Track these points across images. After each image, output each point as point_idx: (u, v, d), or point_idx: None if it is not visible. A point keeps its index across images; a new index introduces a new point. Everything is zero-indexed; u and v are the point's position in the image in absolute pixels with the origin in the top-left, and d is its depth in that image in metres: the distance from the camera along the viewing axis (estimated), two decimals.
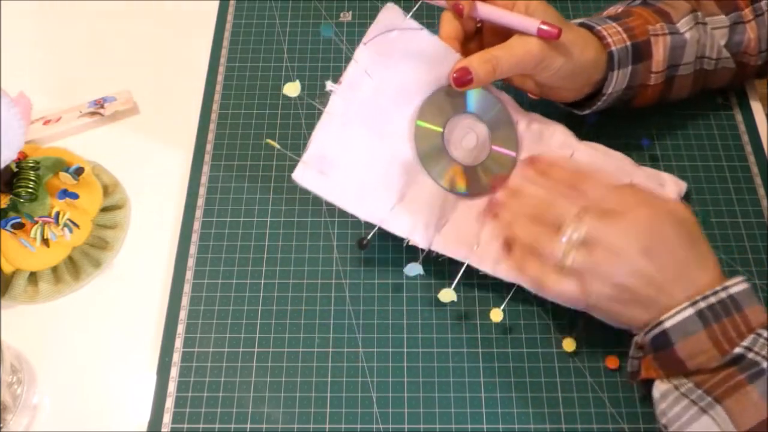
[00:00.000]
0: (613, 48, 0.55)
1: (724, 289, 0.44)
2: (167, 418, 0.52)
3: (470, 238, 0.55)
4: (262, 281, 0.58)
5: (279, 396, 0.53)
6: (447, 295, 0.54)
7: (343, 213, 0.61)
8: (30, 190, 0.55)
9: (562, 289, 0.48)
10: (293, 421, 0.52)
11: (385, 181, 0.54)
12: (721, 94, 0.67)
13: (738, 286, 0.44)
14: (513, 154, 0.57)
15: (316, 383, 0.54)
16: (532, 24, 0.51)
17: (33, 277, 0.57)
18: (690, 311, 0.43)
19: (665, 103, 0.62)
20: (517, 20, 0.52)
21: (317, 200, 0.61)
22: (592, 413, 0.52)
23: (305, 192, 0.62)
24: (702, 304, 0.43)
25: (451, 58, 0.54)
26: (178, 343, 0.55)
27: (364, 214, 0.53)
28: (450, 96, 0.55)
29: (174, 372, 0.54)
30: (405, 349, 0.55)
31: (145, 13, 0.75)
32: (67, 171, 0.58)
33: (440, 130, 0.55)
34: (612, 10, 0.61)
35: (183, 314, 0.57)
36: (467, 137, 0.56)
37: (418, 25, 0.53)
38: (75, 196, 0.57)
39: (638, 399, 0.52)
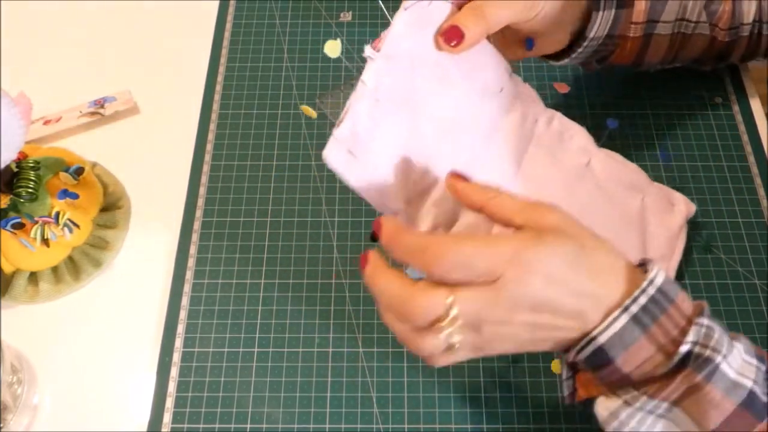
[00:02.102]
0: None
1: (651, 283, 0.38)
2: (167, 418, 0.52)
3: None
4: (262, 281, 0.58)
5: (279, 396, 0.53)
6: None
7: (343, 213, 0.61)
8: (30, 190, 0.55)
9: (457, 361, 0.40)
10: (293, 421, 0.52)
11: (406, 175, 0.48)
12: (720, 94, 0.67)
13: (659, 275, 0.39)
14: None
15: (316, 383, 0.54)
16: None
17: (33, 277, 0.57)
18: (624, 319, 0.38)
19: (640, 67, 0.61)
20: None
21: (317, 200, 0.62)
22: (593, 413, 0.52)
23: (305, 192, 0.62)
24: (634, 308, 0.38)
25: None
26: (178, 343, 0.55)
27: (383, 209, 0.47)
28: None
29: (174, 372, 0.54)
30: (405, 349, 0.55)
31: (145, 13, 0.75)
32: (67, 171, 0.58)
33: None
34: None
35: (183, 314, 0.57)
36: None
37: None
38: (75, 196, 0.57)
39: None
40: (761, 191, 0.61)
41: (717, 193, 0.62)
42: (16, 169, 0.56)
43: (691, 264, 0.58)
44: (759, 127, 0.65)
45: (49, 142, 0.66)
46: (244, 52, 0.71)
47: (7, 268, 0.56)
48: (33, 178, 0.56)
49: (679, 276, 0.57)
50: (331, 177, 0.63)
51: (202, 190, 0.63)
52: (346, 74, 0.70)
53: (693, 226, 0.60)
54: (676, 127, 0.65)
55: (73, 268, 0.58)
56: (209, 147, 0.65)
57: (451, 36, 0.46)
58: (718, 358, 0.37)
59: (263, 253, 0.59)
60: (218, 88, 0.69)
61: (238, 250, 0.60)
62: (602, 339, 0.38)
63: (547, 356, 0.54)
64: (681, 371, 0.38)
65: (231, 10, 0.74)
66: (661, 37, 0.57)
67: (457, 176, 0.44)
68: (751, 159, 0.63)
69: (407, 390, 0.53)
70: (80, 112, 0.67)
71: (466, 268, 0.38)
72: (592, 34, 0.54)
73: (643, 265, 0.41)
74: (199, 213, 0.61)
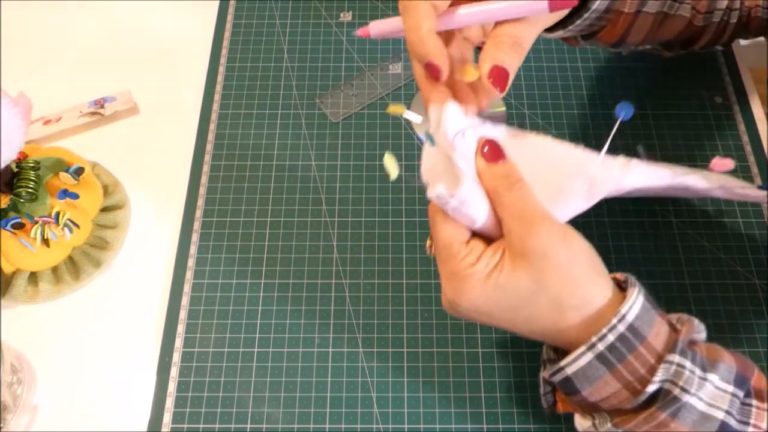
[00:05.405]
0: None
1: (621, 320, 0.38)
2: (167, 418, 0.52)
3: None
4: (262, 281, 0.58)
5: (279, 396, 0.53)
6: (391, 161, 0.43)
7: (343, 213, 0.61)
8: (30, 190, 0.55)
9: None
10: (293, 421, 0.52)
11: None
12: (720, 94, 0.67)
13: (635, 306, 0.38)
14: None
15: (316, 383, 0.54)
16: (538, 3, 0.40)
17: (33, 277, 0.57)
18: (588, 356, 0.38)
19: (618, 47, 0.58)
20: (517, 4, 0.40)
21: (317, 200, 0.62)
22: None
23: (305, 192, 0.62)
24: (600, 346, 0.38)
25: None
26: (178, 343, 0.55)
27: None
28: None
29: (174, 372, 0.54)
30: (405, 349, 0.55)
31: (145, 13, 0.75)
32: (67, 171, 0.58)
33: None
34: None
35: (183, 314, 0.57)
36: None
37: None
38: (75, 196, 0.57)
39: None
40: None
41: None
42: (16, 169, 0.56)
43: (691, 264, 0.58)
44: (759, 127, 0.65)
45: (49, 142, 0.66)
46: (244, 52, 0.71)
47: (7, 268, 0.56)
48: (33, 178, 0.56)
49: (679, 276, 0.57)
50: (332, 177, 0.63)
51: (202, 190, 0.63)
52: (346, 74, 0.70)
53: (693, 226, 0.60)
54: (676, 127, 0.65)
55: (73, 268, 0.58)
56: (209, 147, 0.65)
57: (498, 76, 0.40)
58: (686, 397, 0.37)
59: (263, 253, 0.59)
60: (218, 88, 0.69)
61: (238, 250, 0.60)
62: (569, 371, 0.39)
63: None
64: (647, 408, 0.37)
65: (231, 10, 0.74)
66: (647, 15, 0.55)
67: (486, 153, 0.40)
68: (751, 159, 0.63)
69: (407, 390, 0.53)
70: (80, 112, 0.67)
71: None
72: (595, 5, 0.51)
73: (625, 282, 0.41)
74: (199, 213, 0.61)
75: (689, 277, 0.57)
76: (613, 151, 0.40)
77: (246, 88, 0.69)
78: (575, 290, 0.39)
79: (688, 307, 0.56)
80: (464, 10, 0.41)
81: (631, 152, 0.64)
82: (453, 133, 0.40)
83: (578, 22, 0.53)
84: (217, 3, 0.75)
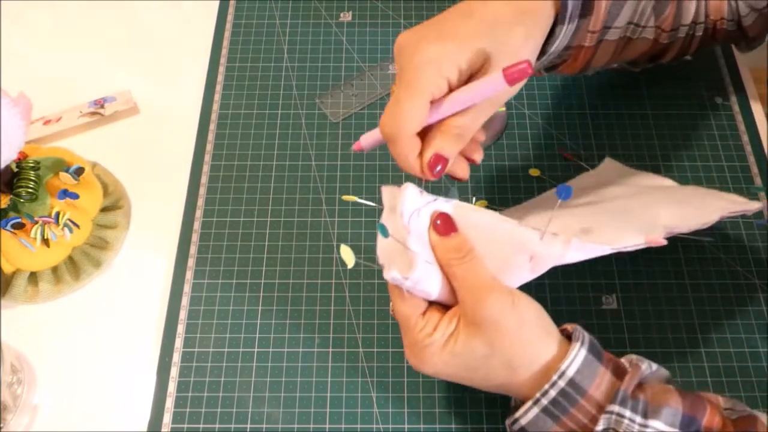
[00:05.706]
0: (569, 0, 0.49)
1: (561, 376, 0.41)
2: (167, 418, 0.52)
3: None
4: (262, 281, 0.58)
5: (279, 396, 0.53)
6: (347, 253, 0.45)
7: (343, 213, 0.61)
8: (30, 190, 0.55)
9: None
10: (293, 421, 0.52)
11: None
12: (720, 94, 0.67)
13: (576, 360, 0.42)
14: None
15: (316, 383, 0.54)
16: (495, 81, 0.41)
17: (33, 277, 0.57)
18: (535, 410, 0.42)
19: (584, 72, 0.58)
20: (478, 90, 0.42)
21: (317, 200, 0.62)
22: None
23: (305, 192, 0.62)
24: (544, 401, 0.42)
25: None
26: (178, 343, 0.55)
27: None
28: None
29: (174, 372, 0.54)
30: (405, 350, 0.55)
31: (145, 12, 0.75)
32: (67, 171, 0.58)
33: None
34: None
35: (183, 314, 0.57)
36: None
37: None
38: (75, 196, 0.57)
39: None
40: (761, 191, 0.61)
41: None
42: (16, 169, 0.56)
43: (691, 264, 0.58)
44: (759, 127, 0.65)
45: (49, 142, 0.66)
46: (244, 52, 0.71)
47: (7, 268, 0.56)
48: (33, 178, 0.56)
49: (679, 276, 0.57)
50: (332, 177, 0.63)
51: (202, 190, 0.63)
52: (346, 74, 0.70)
53: None
54: (676, 127, 0.65)
55: (73, 268, 0.58)
56: (209, 147, 0.65)
57: (437, 163, 0.44)
58: None
59: (263, 253, 0.59)
60: (218, 88, 0.69)
61: (238, 250, 0.60)
62: (523, 422, 0.43)
63: None
64: None
65: (231, 10, 0.74)
66: (609, 42, 0.55)
67: (439, 226, 0.44)
68: (751, 159, 0.63)
69: (407, 390, 0.53)
70: (80, 112, 0.67)
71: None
72: (552, 49, 0.51)
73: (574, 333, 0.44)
74: (199, 213, 0.61)
75: (689, 277, 0.57)
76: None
77: (246, 88, 0.69)
78: (524, 352, 0.43)
79: (688, 307, 0.56)
80: (441, 110, 0.44)
81: (631, 152, 0.64)
82: (409, 214, 0.44)
83: (536, 64, 0.53)
84: (217, 3, 0.75)
